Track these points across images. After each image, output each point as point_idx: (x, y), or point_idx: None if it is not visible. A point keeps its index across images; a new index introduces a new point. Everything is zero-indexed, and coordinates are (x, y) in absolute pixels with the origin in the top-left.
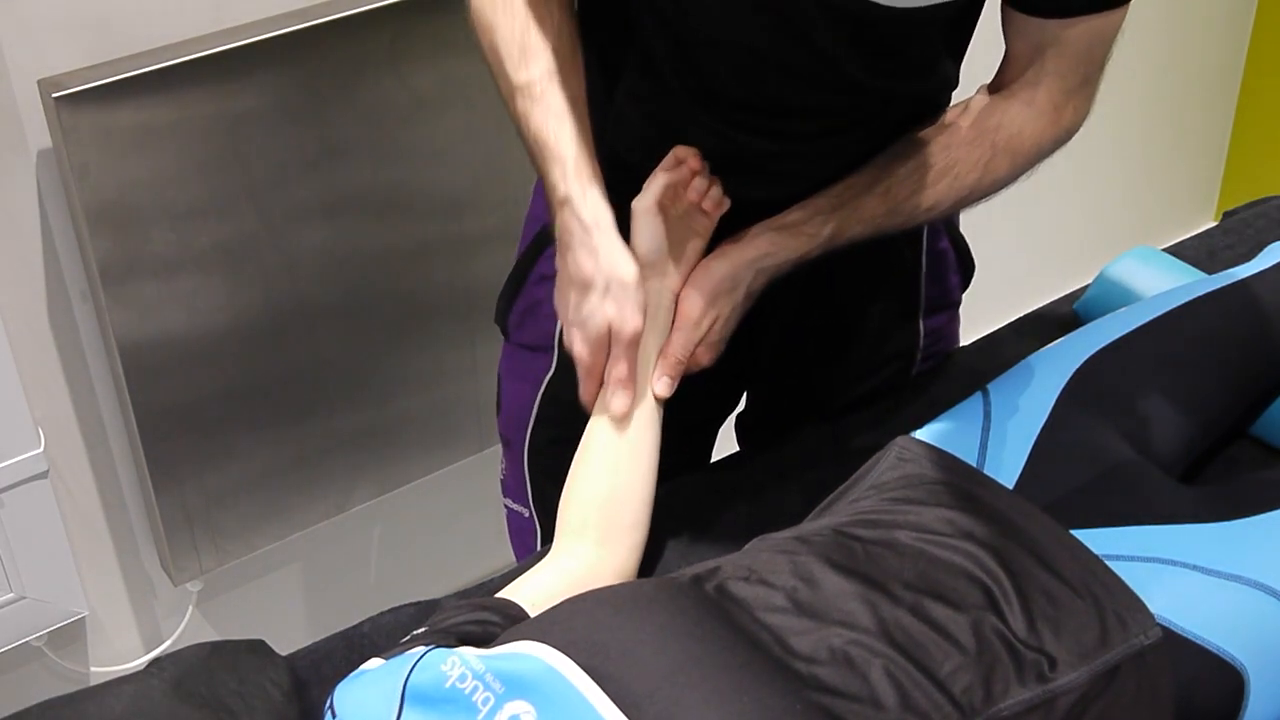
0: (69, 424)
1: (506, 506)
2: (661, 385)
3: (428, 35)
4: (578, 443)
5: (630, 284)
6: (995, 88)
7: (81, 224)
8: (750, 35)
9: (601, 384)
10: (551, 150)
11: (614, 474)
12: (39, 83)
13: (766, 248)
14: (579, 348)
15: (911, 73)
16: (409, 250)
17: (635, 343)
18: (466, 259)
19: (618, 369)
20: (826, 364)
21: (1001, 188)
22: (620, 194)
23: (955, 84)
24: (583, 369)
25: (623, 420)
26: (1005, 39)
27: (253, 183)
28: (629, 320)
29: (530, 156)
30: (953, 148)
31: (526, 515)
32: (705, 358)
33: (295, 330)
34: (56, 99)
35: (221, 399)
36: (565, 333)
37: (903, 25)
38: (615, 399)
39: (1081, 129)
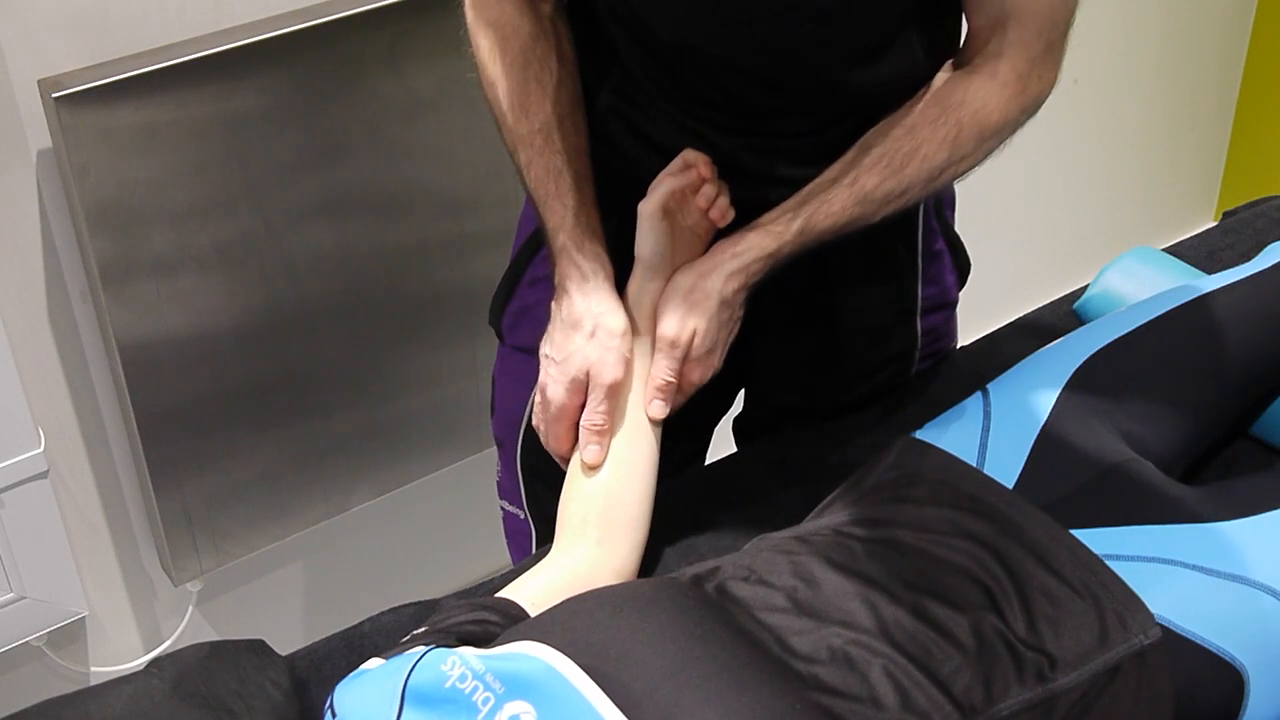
0: (69, 424)
1: (502, 508)
2: (655, 409)
3: (428, 35)
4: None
5: (617, 334)
6: (958, 64)
7: (81, 224)
8: (714, 39)
9: (570, 429)
10: (551, 201)
11: (614, 473)
12: (39, 83)
13: (731, 250)
14: (554, 388)
15: (877, 59)
16: (409, 250)
17: (614, 393)
18: (466, 259)
19: (593, 417)
20: (824, 366)
21: (974, 164)
22: (619, 200)
23: (932, 71)
24: (554, 410)
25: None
26: (966, 14)
27: (253, 183)
28: (609, 368)
29: (532, 204)
30: (917, 129)
31: (522, 517)
32: (697, 374)
33: (295, 330)
34: (56, 99)
35: (221, 399)
36: (542, 372)
37: (862, 14)
38: (589, 450)
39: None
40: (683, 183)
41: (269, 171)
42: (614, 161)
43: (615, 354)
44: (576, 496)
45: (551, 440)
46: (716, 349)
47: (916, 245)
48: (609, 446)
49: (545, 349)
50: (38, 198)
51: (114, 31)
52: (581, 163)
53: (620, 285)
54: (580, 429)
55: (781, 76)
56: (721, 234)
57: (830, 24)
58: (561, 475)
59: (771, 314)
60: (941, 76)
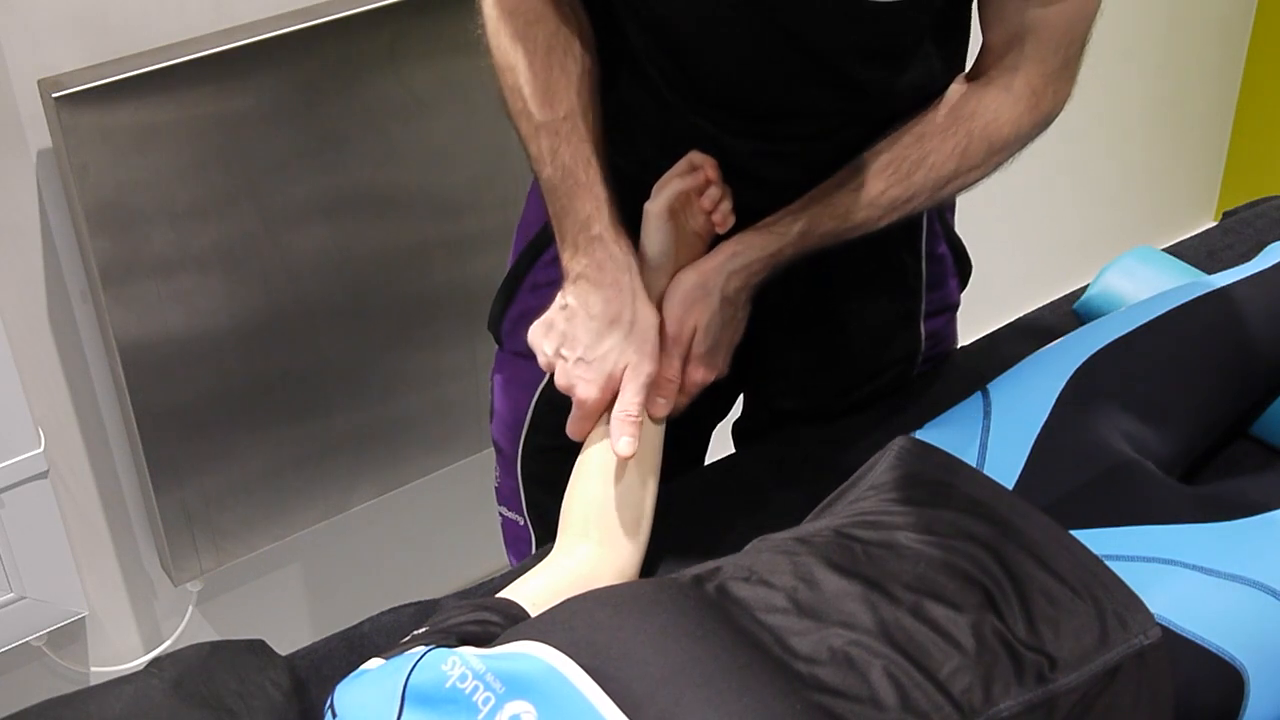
0: (69, 424)
1: (501, 514)
2: (657, 407)
3: (428, 35)
4: (571, 451)
5: (654, 326)
6: (973, 76)
7: (81, 224)
8: (732, 34)
9: (594, 423)
10: (585, 187)
11: (618, 474)
12: (39, 83)
13: (732, 249)
14: (587, 387)
15: (899, 66)
16: (409, 250)
17: (648, 384)
18: (466, 259)
19: (630, 408)
20: (827, 370)
21: (982, 176)
22: (624, 199)
23: (948, 82)
24: (587, 407)
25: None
26: (982, 27)
27: (252, 182)
28: (648, 360)
29: (549, 192)
30: (927, 138)
31: (521, 523)
32: (700, 373)
33: (295, 330)
34: (56, 99)
35: (221, 399)
36: (564, 367)
37: (884, 18)
38: (623, 442)
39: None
40: (689, 184)
41: (269, 171)
42: (620, 161)
43: (651, 345)
44: (580, 496)
45: (574, 433)
46: (719, 348)
47: (920, 250)
48: (640, 434)
49: (558, 347)
50: (38, 198)
51: (114, 31)
52: (603, 155)
53: None
54: (614, 420)
55: (797, 72)
56: (724, 235)
57: (850, 19)
58: (564, 481)
59: (774, 319)
60: (955, 88)
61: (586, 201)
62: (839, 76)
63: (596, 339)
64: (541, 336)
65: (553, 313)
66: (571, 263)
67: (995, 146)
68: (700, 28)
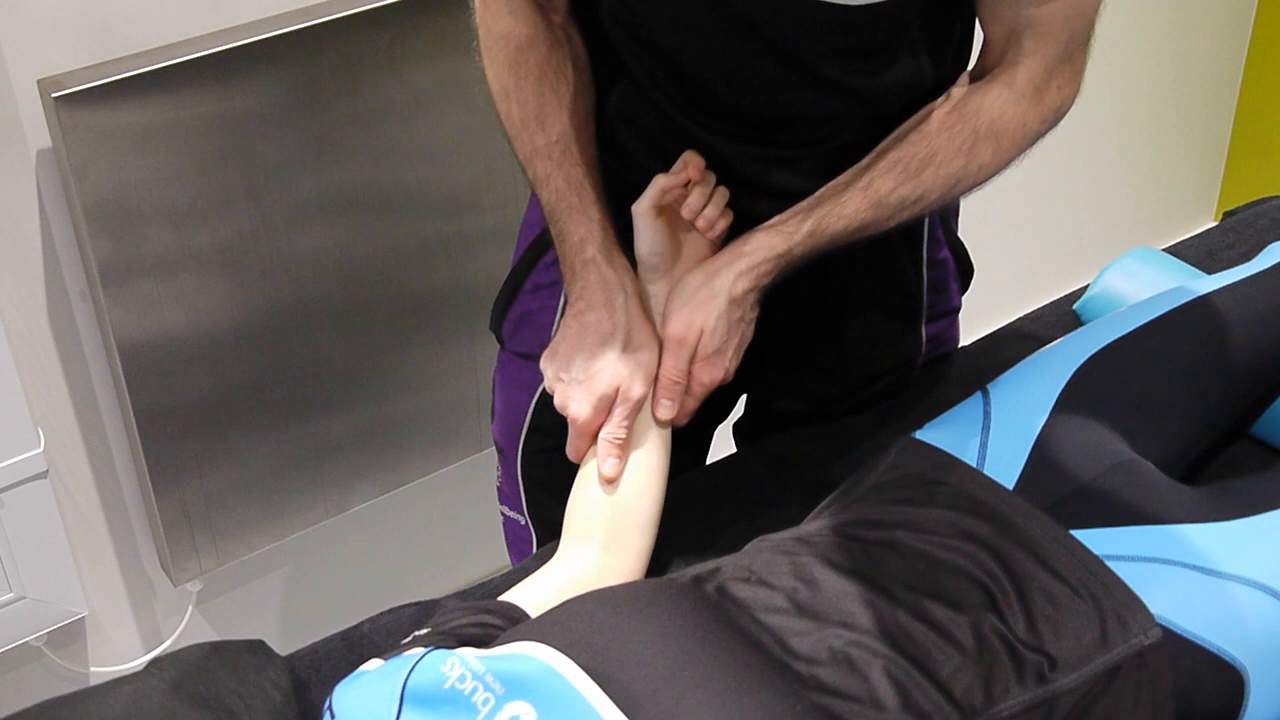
0: (69, 424)
1: (503, 514)
2: (662, 409)
3: (428, 35)
4: None
5: (648, 351)
6: (976, 73)
7: (81, 224)
8: (711, 43)
9: (590, 443)
10: (575, 214)
11: (624, 478)
12: (39, 83)
13: (740, 250)
14: (579, 406)
15: (877, 66)
16: (409, 250)
17: (637, 409)
18: (466, 259)
19: (617, 431)
20: (828, 374)
21: (992, 173)
22: (623, 208)
23: (941, 78)
24: (579, 427)
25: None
26: (980, 24)
27: (252, 182)
28: (640, 383)
29: (547, 215)
30: (932, 136)
31: (523, 523)
32: (707, 375)
33: (295, 330)
34: (56, 99)
35: (221, 399)
36: (561, 388)
37: (865, 24)
38: (609, 463)
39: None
40: (670, 182)
41: (268, 171)
42: (620, 169)
43: (645, 369)
44: (584, 501)
45: (571, 454)
46: (727, 350)
47: (921, 255)
48: (627, 457)
49: (558, 370)
50: (38, 198)
51: (114, 31)
52: (597, 175)
53: None
54: (600, 441)
55: (779, 77)
56: (733, 235)
57: (821, 20)
58: (564, 482)
59: (776, 323)
60: (959, 86)
61: (580, 225)
62: (818, 79)
63: (590, 359)
64: (547, 362)
65: (556, 337)
66: (570, 286)
67: (1002, 143)
68: (681, 38)
